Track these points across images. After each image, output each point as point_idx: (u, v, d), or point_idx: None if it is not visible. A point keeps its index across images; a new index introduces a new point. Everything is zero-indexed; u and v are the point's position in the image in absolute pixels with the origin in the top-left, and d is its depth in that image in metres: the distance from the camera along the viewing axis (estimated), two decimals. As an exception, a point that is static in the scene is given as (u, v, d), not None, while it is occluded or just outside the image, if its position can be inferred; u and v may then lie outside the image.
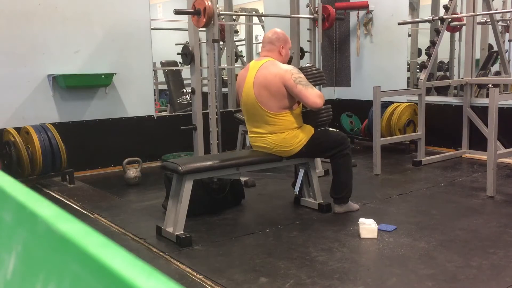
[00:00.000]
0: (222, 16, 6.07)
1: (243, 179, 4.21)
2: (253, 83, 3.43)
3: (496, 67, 6.43)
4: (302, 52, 4.96)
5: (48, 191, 4.44)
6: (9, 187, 0.74)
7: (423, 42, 6.88)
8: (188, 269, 2.72)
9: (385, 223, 3.32)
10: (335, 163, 3.63)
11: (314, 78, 3.61)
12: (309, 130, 3.54)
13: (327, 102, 3.59)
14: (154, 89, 6.52)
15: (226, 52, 6.97)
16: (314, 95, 3.38)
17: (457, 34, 6.69)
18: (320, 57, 5.32)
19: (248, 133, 3.69)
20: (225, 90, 6.76)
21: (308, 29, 4.99)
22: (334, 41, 7.27)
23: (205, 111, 4.32)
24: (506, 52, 5.82)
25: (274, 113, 3.43)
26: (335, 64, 7.29)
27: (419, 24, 6.75)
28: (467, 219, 3.47)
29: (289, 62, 3.72)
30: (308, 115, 3.59)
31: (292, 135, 3.47)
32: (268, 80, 3.38)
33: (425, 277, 2.55)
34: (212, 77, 4.14)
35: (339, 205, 3.63)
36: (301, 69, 3.64)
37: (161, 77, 7.73)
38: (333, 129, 3.77)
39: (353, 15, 6.96)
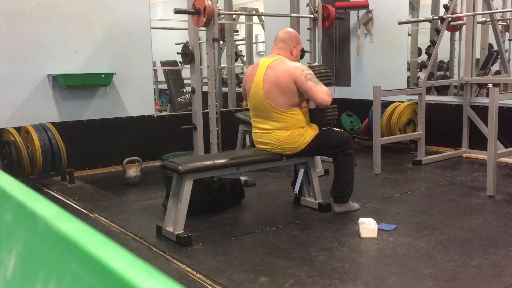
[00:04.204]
0: (222, 16, 6.08)
1: (243, 178, 4.21)
2: (263, 79, 3.47)
3: (496, 67, 6.43)
4: (302, 52, 4.95)
5: (48, 191, 4.44)
6: (9, 187, 0.74)
7: (423, 41, 6.89)
8: (188, 269, 2.72)
9: (385, 223, 3.33)
10: (337, 162, 3.63)
11: (321, 77, 3.62)
12: (314, 128, 3.56)
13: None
14: (154, 89, 6.51)
15: (226, 52, 6.96)
16: (323, 92, 3.41)
17: (457, 33, 6.69)
18: (320, 56, 5.32)
19: (253, 129, 3.69)
20: (225, 89, 6.76)
21: (308, 29, 4.99)
22: (334, 41, 7.26)
23: (205, 110, 4.32)
24: (506, 52, 5.82)
25: (283, 110, 3.45)
26: (335, 63, 7.28)
27: (419, 23, 6.75)
28: (467, 219, 3.47)
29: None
30: (314, 114, 3.60)
31: (297, 133, 3.48)
32: (278, 77, 3.42)
33: (425, 277, 2.55)
34: (212, 77, 4.14)
35: (339, 205, 3.63)
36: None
37: (161, 77, 7.72)
38: (338, 129, 3.78)
39: (353, 14, 6.96)
